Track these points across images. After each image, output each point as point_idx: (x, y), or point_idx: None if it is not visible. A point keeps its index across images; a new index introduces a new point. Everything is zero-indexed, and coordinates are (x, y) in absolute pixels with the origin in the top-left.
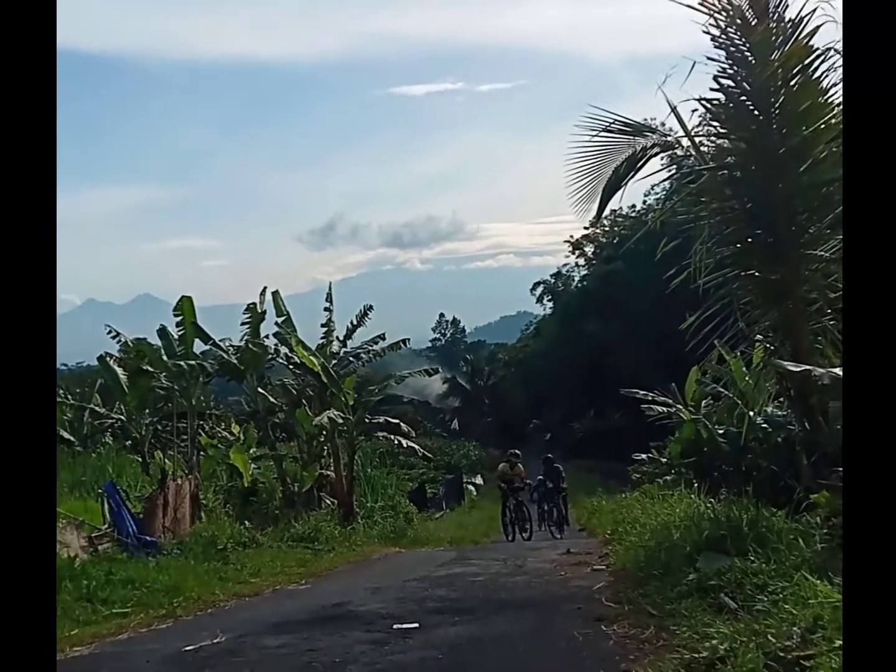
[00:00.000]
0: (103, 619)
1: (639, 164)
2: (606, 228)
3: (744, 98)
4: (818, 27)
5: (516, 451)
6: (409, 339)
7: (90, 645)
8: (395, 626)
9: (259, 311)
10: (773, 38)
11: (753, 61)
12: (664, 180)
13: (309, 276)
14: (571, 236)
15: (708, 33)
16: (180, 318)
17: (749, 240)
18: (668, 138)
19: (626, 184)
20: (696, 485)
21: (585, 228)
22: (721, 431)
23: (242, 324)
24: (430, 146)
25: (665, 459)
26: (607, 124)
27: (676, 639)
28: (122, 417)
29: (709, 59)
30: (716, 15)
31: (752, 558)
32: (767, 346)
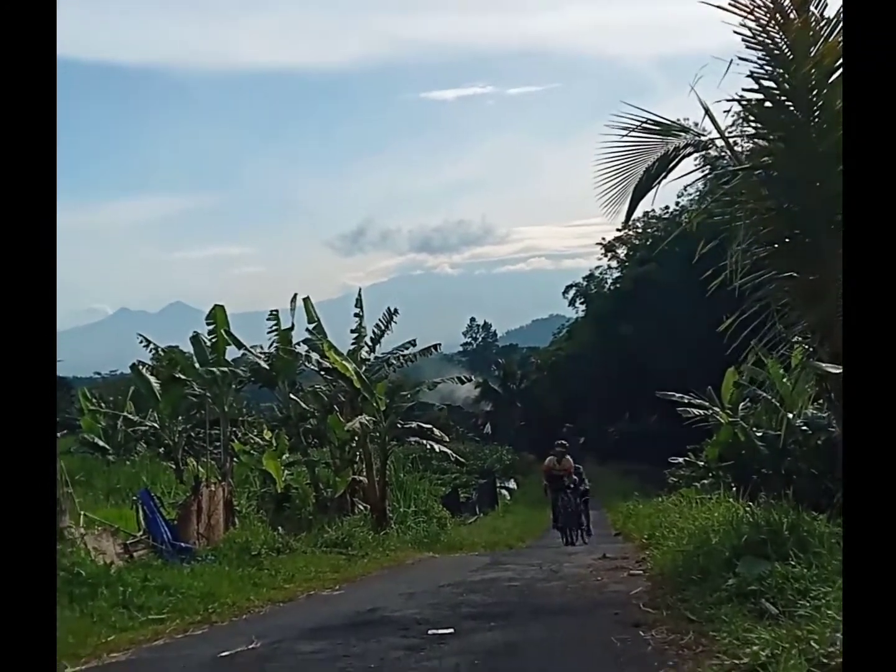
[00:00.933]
0: (139, 625)
1: (671, 165)
2: (639, 230)
3: (781, 96)
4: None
5: (563, 442)
6: (440, 344)
7: (127, 651)
8: (430, 632)
9: (291, 318)
10: (812, 33)
11: (791, 58)
12: (697, 180)
13: (340, 282)
14: (604, 238)
15: (739, 33)
16: (212, 325)
17: (787, 240)
18: (702, 138)
19: (658, 184)
20: (734, 488)
21: (618, 230)
22: (759, 434)
23: (269, 331)
24: (460, 150)
25: (702, 463)
26: (639, 124)
27: (716, 645)
28: (155, 425)
29: (741, 58)
30: (755, 10)
31: (793, 563)
32: (806, 347)
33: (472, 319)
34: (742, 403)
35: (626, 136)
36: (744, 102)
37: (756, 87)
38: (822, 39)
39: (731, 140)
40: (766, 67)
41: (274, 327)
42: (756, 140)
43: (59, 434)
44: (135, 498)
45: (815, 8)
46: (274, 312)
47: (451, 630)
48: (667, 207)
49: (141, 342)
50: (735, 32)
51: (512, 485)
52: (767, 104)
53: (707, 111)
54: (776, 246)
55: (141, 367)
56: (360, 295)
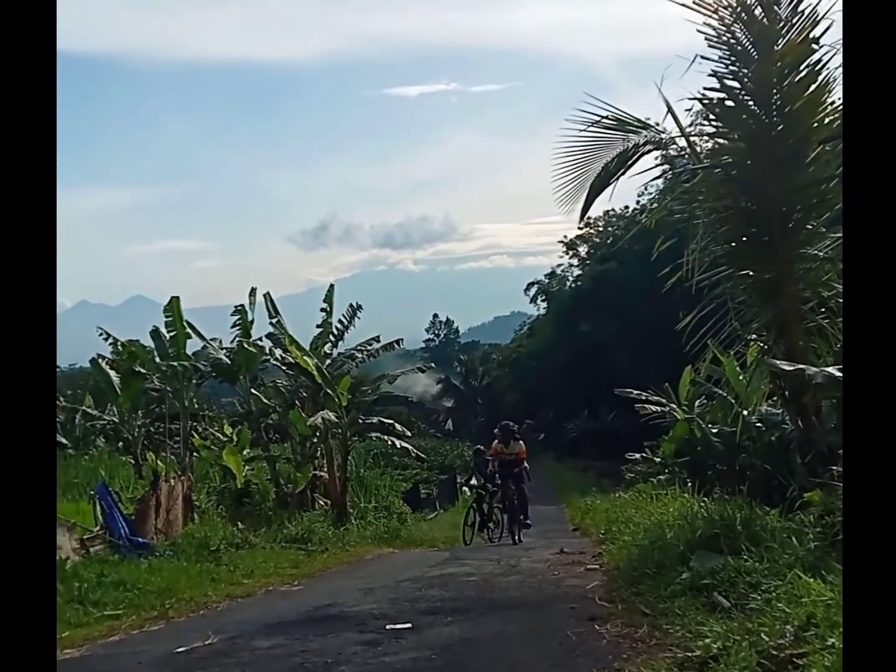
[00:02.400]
0: (95, 620)
1: (630, 162)
2: (601, 229)
3: (741, 94)
4: (818, 20)
5: (509, 423)
6: (402, 340)
7: (81, 647)
8: (387, 627)
9: (249, 312)
10: (774, 32)
11: (754, 55)
12: (656, 178)
13: (303, 277)
14: (565, 236)
15: (703, 32)
16: (170, 318)
17: (744, 238)
18: (662, 136)
19: (615, 181)
20: (689, 484)
21: (580, 228)
22: (715, 431)
23: (233, 326)
24: (424, 147)
25: (659, 459)
26: (599, 119)
27: (670, 637)
28: (114, 419)
29: (703, 58)
30: (719, 10)
31: (746, 557)
32: (761, 345)
33: (435, 316)
34: (698, 400)
35: (586, 130)
36: (705, 101)
37: (718, 86)
38: (783, 36)
39: (690, 139)
40: (730, 67)
41: (238, 321)
42: (716, 139)
43: None
44: (92, 493)
45: (783, 6)
46: (240, 307)
47: (408, 625)
48: (626, 207)
49: (101, 335)
50: (698, 31)
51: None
52: (729, 103)
53: (669, 109)
54: (733, 244)
55: (101, 360)
56: (331, 291)
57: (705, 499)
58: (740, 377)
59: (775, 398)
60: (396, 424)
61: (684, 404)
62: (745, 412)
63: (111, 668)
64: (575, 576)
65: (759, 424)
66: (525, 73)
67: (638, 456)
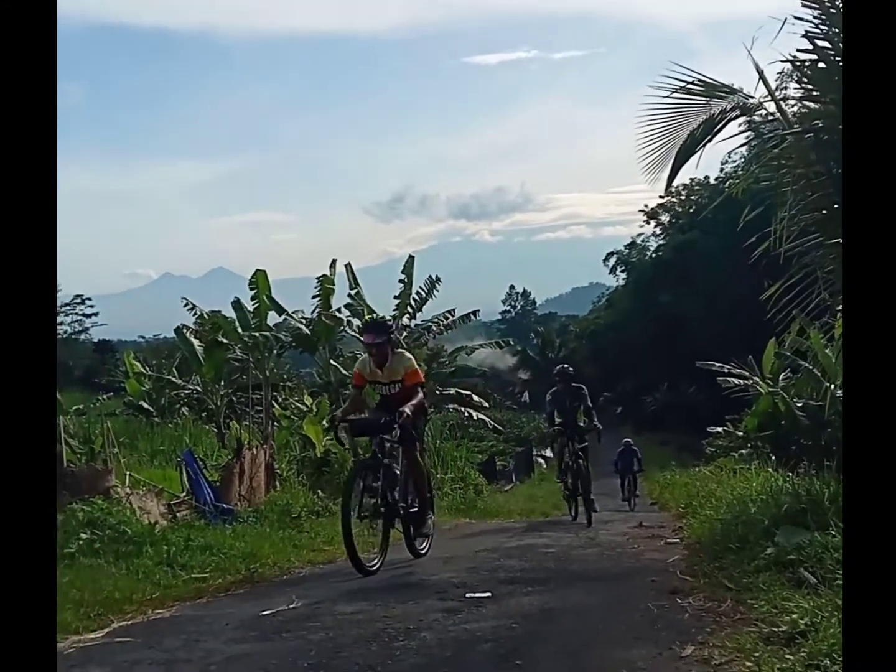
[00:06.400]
0: (183, 583)
1: (716, 128)
2: (682, 198)
3: (834, 56)
4: None
5: (565, 366)
6: (478, 311)
7: (171, 608)
8: (467, 595)
9: (330, 282)
10: None
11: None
12: (742, 146)
13: (379, 249)
14: (646, 205)
15: None
16: (255, 291)
17: (836, 206)
18: (749, 101)
19: (702, 148)
20: (773, 459)
21: (661, 198)
22: (800, 405)
23: (314, 297)
24: (502, 116)
25: (741, 433)
26: (684, 84)
27: (754, 612)
28: (198, 388)
29: (796, 17)
30: None
31: (834, 533)
32: None
33: (511, 287)
34: (783, 374)
35: (670, 97)
36: (797, 63)
37: (810, 47)
38: None
39: (780, 103)
40: (822, 27)
41: (320, 292)
42: (806, 103)
43: (105, 396)
44: (179, 459)
45: None
46: (322, 277)
47: (488, 594)
48: (707, 178)
49: (185, 305)
50: None
51: (548, 453)
52: (821, 65)
53: (759, 73)
54: (825, 211)
55: (185, 330)
56: (409, 261)
57: (789, 474)
58: (827, 350)
59: None
60: (473, 396)
61: (768, 377)
62: (833, 386)
63: (200, 628)
64: (655, 549)
65: None
66: (607, 39)
67: (719, 430)
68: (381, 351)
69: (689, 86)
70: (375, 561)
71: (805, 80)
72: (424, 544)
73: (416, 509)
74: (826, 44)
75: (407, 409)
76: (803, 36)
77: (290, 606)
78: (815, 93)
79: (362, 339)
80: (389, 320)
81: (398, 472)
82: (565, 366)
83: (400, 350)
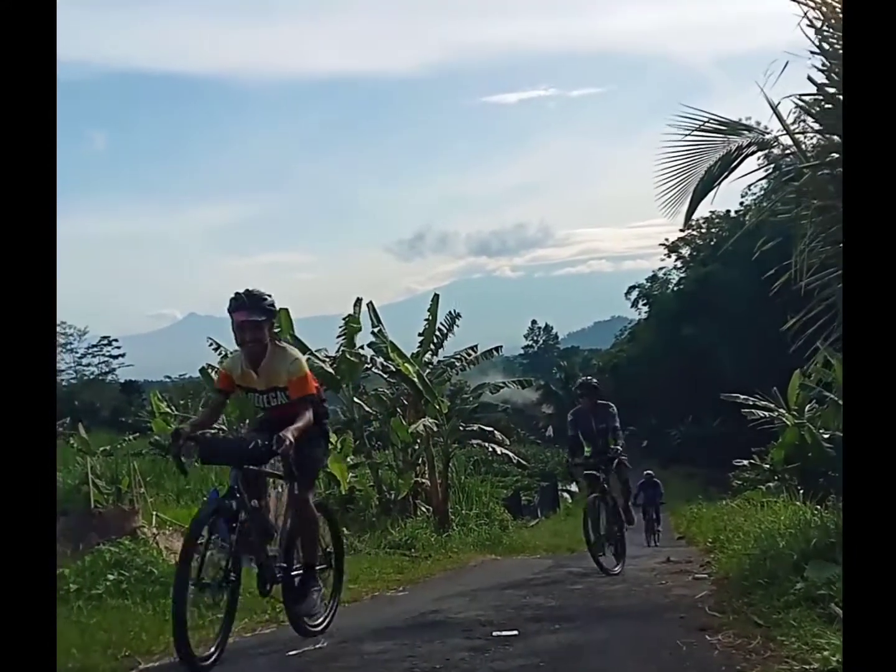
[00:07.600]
0: (209, 623)
1: (734, 164)
2: (703, 231)
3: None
4: None
5: (589, 379)
6: (501, 347)
7: (198, 649)
8: (494, 634)
9: (356, 321)
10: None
11: None
12: (760, 179)
13: (401, 287)
14: (667, 239)
15: (812, 25)
16: (278, 330)
17: None
18: (766, 136)
19: (719, 184)
20: (801, 491)
21: (681, 231)
22: (826, 436)
23: (339, 336)
24: (520, 153)
25: (768, 465)
26: (700, 123)
27: (785, 649)
28: (223, 427)
29: (812, 52)
30: (823, 7)
31: None
32: None
33: (534, 322)
34: (809, 405)
35: (688, 136)
36: (811, 98)
37: (826, 80)
38: None
39: (795, 136)
40: (825, 70)
41: (344, 331)
42: (822, 137)
43: (131, 437)
44: (205, 499)
45: None
46: (348, 317)
47: (515, 632)
48: (728, 211)
49: (210, 345)
50: (809, 26)
51: (573, 488)
52: (828, 106)
53: (773, 108)
54: (843, 245)
55: (210, 370)
56: (435, 299)
57: (818, 507)
58: None
59: None
60: (496, 431)
61: (794, 409)
62: None
63: (227, 669)
64: (683, 585)
65: None
66: (623, 75)
67: (746, 462)
68: (255, 337)
69: (706, 124)
70: (212, 651)
71: (819, 115)
72: (319, 620)
73: (299, 573)
74: (832, 89)
75: (289, 434)
76: (808, 78)
77: (317, 646)
78: (829, 126)
79: (232, 316)
80: (268, 295)
81: (271, 521)
82: (589, 378)
83: (283, 345)
